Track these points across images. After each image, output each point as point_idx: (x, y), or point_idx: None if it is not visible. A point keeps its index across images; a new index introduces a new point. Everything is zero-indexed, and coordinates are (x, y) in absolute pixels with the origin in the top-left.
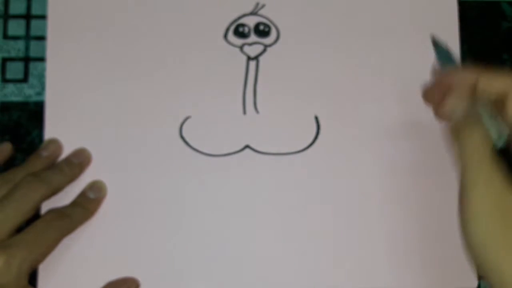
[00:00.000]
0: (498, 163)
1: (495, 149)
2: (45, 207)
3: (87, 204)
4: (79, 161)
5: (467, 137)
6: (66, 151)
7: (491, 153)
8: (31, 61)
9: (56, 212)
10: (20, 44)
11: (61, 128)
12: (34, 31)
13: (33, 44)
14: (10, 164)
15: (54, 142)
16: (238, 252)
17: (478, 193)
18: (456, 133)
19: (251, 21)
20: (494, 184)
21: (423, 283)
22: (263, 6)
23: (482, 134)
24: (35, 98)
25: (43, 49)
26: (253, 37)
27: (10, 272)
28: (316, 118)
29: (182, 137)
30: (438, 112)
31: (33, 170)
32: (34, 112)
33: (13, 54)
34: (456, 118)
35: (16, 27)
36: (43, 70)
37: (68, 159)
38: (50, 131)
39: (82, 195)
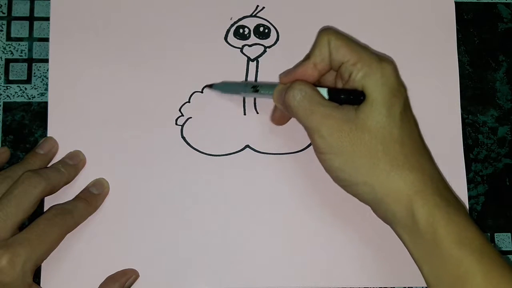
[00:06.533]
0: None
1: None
2: (48, 205)
3: (90, 199)
4: (74, 163)
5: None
6: (69, 151)
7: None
8: (34, 62)
9: (58, 209)
10: (24, 46)
11: (64, 128)
12: (37, 33)
13: (36, 45)
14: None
15: (50, 140)
16: (238, 250)
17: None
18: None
19: (251, 23)
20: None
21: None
22: (263, 8)
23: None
24: (38, 99)
25: (46, 50)
26: (253, 39)
27: (15, 271)
28: None
29: (183, 137)
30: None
31: (31, 168)
32: (37, 113)
33: (16, 55)
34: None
35: (19, 29)
36: (46, 71)
37: (63, 161)
38: (53, 131)
39: (85, 190)
